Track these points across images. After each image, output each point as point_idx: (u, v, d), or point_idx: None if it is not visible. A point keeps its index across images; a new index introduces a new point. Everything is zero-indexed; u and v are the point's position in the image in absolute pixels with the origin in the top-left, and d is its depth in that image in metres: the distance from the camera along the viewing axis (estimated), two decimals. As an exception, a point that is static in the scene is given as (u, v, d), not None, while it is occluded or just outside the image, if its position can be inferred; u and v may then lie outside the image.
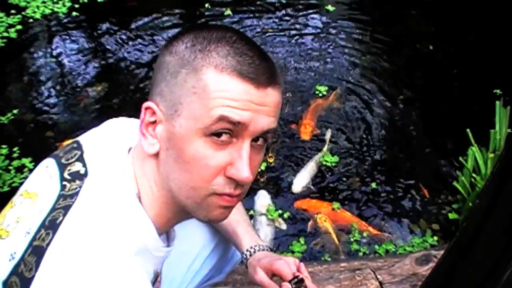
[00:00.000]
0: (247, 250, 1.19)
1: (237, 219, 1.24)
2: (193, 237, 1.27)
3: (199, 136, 0.77)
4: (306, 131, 2.53)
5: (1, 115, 2.57)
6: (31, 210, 0.82)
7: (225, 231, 1.25)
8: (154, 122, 0.81)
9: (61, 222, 0.76)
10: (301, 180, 2.36)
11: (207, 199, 0.81)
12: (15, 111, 2.58)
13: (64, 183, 0.82)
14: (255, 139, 0.81)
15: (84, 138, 0.92)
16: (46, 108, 2.63)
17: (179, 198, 0.82)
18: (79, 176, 0.83)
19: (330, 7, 3.46)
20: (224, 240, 1.32)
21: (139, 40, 3.12)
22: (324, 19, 3.39)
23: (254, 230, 1.25)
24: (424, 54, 3.11)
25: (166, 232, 0.94)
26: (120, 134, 0.93)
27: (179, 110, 0.78)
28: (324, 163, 2.42)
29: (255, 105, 0.77)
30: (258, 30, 3.25)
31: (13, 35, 2.99)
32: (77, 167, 0.85)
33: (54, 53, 2.98)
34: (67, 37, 3.10)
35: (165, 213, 0.85)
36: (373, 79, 2.92)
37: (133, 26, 3.25)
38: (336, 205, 2.23)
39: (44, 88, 2.76)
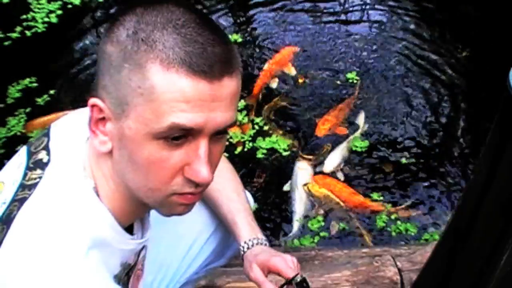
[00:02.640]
0: (244, 243, 1.14)
1: (238, 208, 1.20)
2: (191, 221, 1.24)
3: (151, 139, 0.71)
4: (323, 128, 2.42)
5: (38, 96, 2.63)
6: None
7: (224, 219, 1.22)
8: (103, 119, 0.75)
9: (15, 216, 0.74)
10: (333, 160, 2.30)
11: (167, 199, 0.77)
12: (52, 92, 2.65)
13: (26, 171, 0.80)
14: (214, 133, 0.75)
15: (54, 125, 0.89)
16: (83, 91, 2.66)
17: (139, 196, 0.78)
18: (41, 165, 0.80)
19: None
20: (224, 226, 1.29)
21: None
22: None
23: (254, 221, 1.20)
24: (469, 41, 2.92)
25: (141, 223, 0.91)
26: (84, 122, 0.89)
27: (126, 111, 0.71)
28: (354, 148, 2.34)
29: (210, 102, 0.70)
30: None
31: (54, 20, 3.05)
32: (42, 155, 0.82)
33: (93, 38, 3.01)
34: (106, 23, 3.12)
35: (125, 206, 0.81)
36: (410, 66, 2.79)
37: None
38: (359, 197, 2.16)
39: (82, 72, 2.80)
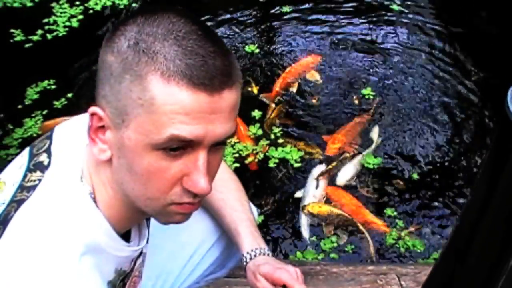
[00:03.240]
0: (247, 253, 1.13)
1: (241, 217, 1.19)
2: (194, 230, 1.25)
3: (150, 150, 0.71)
4: (333, 147, 2.39)
5: (56, 99, 2.66)
6: None
7: (227, 229, 1.21)
8: (103, 127, 0.75)
9: (12, 217, 0.74)
10: (346, 174, 2.28)
11: (166, 208, 0.77)
12: (69, 95, 2.68)
13: (27, 172, 0.81)
14: (213, 145, 0.75)
15: (58, 127, 0.89)
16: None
17: (137, 204, 0.78)
18: (41, 167, 0.80)
19: (395, 7, 3.25)
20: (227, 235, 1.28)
21: (210, 26, 3.09)
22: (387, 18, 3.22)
23: (257, 231, 1.19)
24: (487, 60, 2.88)
25: (139, 230, 0.91)
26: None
27: (126, 121, 0.71)
28: (366, 165, 2.31)
29: (209, 115, 0.70)
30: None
31: (75, 24, 3.11)
32: (43, 157, 0.82)
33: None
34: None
35: (122, 213, 0.81)
36: (427, 84, 2.76)
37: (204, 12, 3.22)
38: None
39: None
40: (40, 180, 0.78)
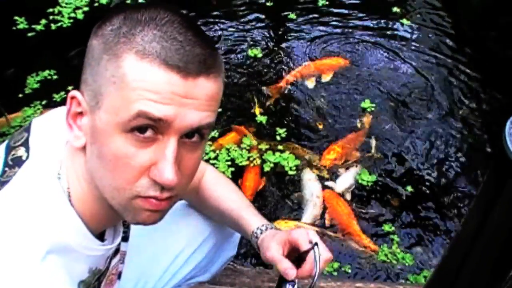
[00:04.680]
0: (257, 228, 1.08)
1: (240, 205, 1.16)
2: (178, 233, 1.24)
3: (120, 131, 0.69)
4: (329, 158, 2.36)
5: (56, 89, 2.66)
6: None
7: (230, 220, 1.17)
8: (80, 113, 0.74)
9: None
10: (345, 181, 2.27)
11: (131, 202, 0.74)
12: (70, 88, 2.65)
13: (6, 169, 0.78)
14: (188, 135, 0.72)
15: (36, 120, 0.87)
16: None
17: (105, 197, 0.75)
18: (19, 163, 0.78)
19: (405, 21, 3.22)
20: (212, 240, 1.27)
21: (215, 28, 3.10)
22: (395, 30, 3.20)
23: (260, 215, 1.15)
24: (491, 79, 2.86)
25: (114, 228, 0.88)
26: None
27: (100, 102, 0.70)
28: (360, 181, 2.29)
29: (181, 98, 0.68)
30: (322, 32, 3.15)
31: (80, 16, 3.10)
32: (21, 152, 0.80)
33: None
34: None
35: (97, 210, 0.78)
36: (429, 99, 2.74)
37: (211, 16, 3.21)
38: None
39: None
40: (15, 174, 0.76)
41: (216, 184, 1.19)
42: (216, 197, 1.17)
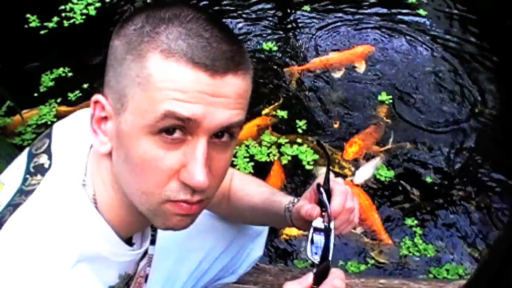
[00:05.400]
0: (289, 202, 1.03)
1: (271, 192, 1.13)
2: (205, 235, 1.23)
3: (147, 134, 0.67)
4: (351, 151, 2.33)
5: (70, 91, 2.63)
6: None
7: (262, 210, 1.12)
8: (105, 118, 0.72)
9: (5, 221, 0.71)
10: (364, 173, 2.24)
11: (161, 207, 0.71)
12: (85, 86, 2.65)
13: (27, 176, 0.77)
14: (217, 135, 0.70)
15: (57, 125, 0.85)
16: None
17: (134, 202, 0.73)
18: (42, 170, 0.76)
19: (422, 11, 3.14)
20: (238, 241, 1.26)
21: (228, 22, 3.01)
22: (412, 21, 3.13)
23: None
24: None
25: (141, 232, 0.87)
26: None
27: (125, 104, 0.68)
28: (378, 176, 2.26)
29: (210, 96, 0.66)
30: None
31: (92, 12, 3.08)
32: (43, 159, 0.78)
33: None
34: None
35: (124, 217, 0.77)
36: (446, 91, 2.69)
37: (223, 4, 3.13)
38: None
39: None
40: (39, 183, 0.75)
41: (244, 184, 1.17)
42: (245, 195, 1.14)
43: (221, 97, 0.67)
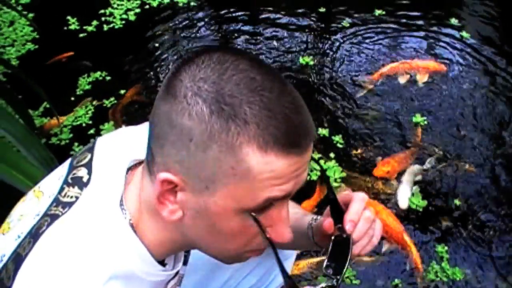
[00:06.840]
0: (312, 219, 1.06)
1: (300, 216, 1.12)
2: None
3: (239, 213, 0.70)
4: (382, 169, 2.30)
5: (106, 98, 2.67)
6: (32, 210, 0.79)
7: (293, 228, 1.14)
8: (173, 189, 0.71)
9: (43, 232, 0.73)
10: (405, 194, 2.21)
11: (240, 256, 0.79)
12: (122, 91, 2.68)
13: (64, 186, 0.79)
14: None
15: (101, 140, 0.87)
16: (152, 93, 2.68)
17: (204, 251, 0.79)
18: (80, 183, 0.78)
19: (465, 34, 3.07)
20: (266, 263, 1.26)
21: (266, 35, 3.06)
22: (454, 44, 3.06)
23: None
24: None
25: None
26: (130, 143, 0.85)
27: (212, 188, 0.68)
28: (411, 205, 2.20)
29: (297, 171, 0.70)
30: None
31: (132, 18, 3.13)
32: (82, 172, 0.80)
33: (169, 42, 3.03)
34: (188, 25, 3.15)
35: (166, 245, 0.79)
36: (482, 113, 2.63)
37: (260, 18, 3.17)
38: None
39: (157, 70, 2.83)
40: (77, 197, 0.76)
41: None
42: None
43: (304, 167, 0.71)
